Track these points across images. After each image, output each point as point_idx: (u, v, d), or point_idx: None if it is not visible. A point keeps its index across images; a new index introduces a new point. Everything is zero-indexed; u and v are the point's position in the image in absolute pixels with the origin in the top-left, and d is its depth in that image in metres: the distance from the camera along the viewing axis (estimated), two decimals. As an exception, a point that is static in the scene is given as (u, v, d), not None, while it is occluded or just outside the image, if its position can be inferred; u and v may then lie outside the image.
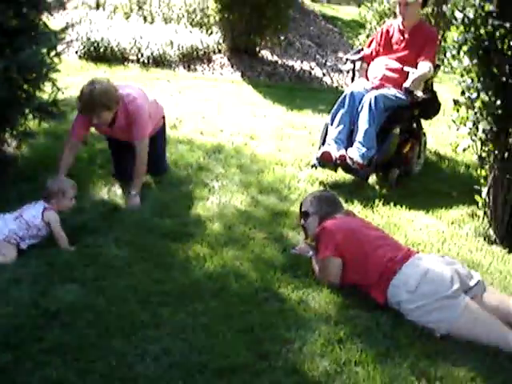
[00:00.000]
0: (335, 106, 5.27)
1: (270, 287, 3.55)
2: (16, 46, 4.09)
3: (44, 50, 4.41)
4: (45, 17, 4.61)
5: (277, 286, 3.56)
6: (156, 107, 4.92)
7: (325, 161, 5.05)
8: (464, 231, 4.47)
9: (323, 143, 5.25)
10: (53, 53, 4.56)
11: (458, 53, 4.15)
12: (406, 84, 5.11)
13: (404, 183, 5.23)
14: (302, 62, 9.00)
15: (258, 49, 8.88)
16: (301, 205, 4.01)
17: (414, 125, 5.52)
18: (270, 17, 8.37)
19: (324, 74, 8.69)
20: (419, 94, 5.19)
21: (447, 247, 4.19)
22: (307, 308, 3.38)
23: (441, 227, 4.50)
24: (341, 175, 5.25)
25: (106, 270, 3.57)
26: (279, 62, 8.93)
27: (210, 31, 9.07)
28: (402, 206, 4.76)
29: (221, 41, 8.80)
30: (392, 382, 2.85)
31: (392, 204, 4.79)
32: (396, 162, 5.28)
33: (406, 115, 5.33)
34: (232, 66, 8.52)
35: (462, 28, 4.06)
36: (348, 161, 4.95)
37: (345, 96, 5.25)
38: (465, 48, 4.05)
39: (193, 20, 9.36)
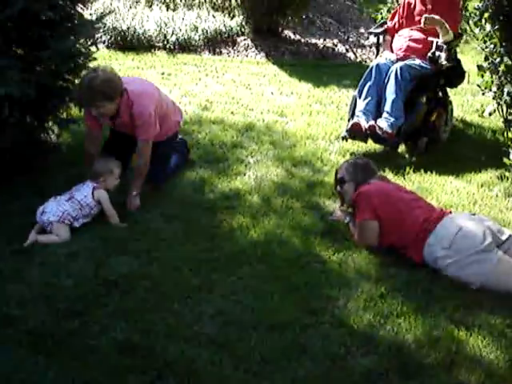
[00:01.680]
0: (362, 79, 5.41)
1: (311, 251, 3.76)
2: (57, 36, 4.30)
3: (82, 40, 4.62)
4: (80, 7, 4.83)
5: (318, 249, 3.77)
6: (172, 109, 4.73)
7: (355, 132, 5.21)
8: (494, 193, 4.61)
9: (352, 115, 5.40)
10: (89, 42, 4.79)
11: (480, 20, 4.28)
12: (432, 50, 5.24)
13: (433, 150, 5.36)
14: (324, 39, 9.11)
15: (280, 29, 9.01)
16: (336, 172, 4.19)
17: (440, 93, 5.63)
18: (291, -4, 8.51)
19: (347, 50, 8.80)
20: (444, 62, 5.31)
21: (478, 208, 4.35)
22: (348, 268, 3.59)
23: (471, 190, 4.65)
24: (371, 146, 5.40)
25: (156, 243, 3.81)
26: (302, 40, 9.05)
27: (232, 14, 9.22)
28: (432, 172, 4.91)
29: (243, 23, 8.95)
30: (432, 331, 3.06)
31: (422, 171, 4.94)
32: (424, 130, 5.41)
33: (431, 84, 5.46)
34: (256, 48, 8.66)
35: (483, -5, 4.19)
36: (377, 131, 5.10)
37: (371, 68, 5.40)
38: (486, 15, 4.19)
39: (214, 4, 9.51)
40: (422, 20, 5.26)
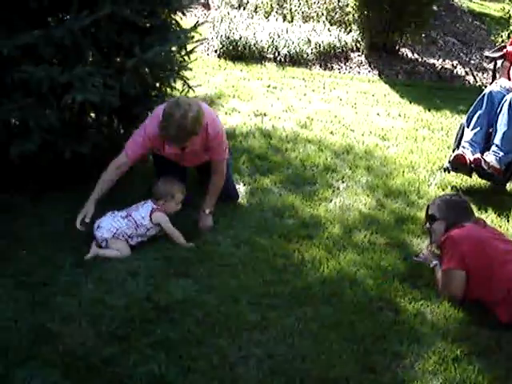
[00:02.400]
0: (472, 107, 4.95)
1: (385, 296, 3.39)
2: (146, 44, 4.18)
3: (174, 48, 4.49)
4: (179, 16, 4.68)
5: (393, 295, 3.40)
6: None
7: (458, 164, 4.76)
8: None
9: (458, 146, 4.96)
10: (183, 51, 4.65)
11: None
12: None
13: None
14: (444, 60, 8.59)
15: (397, 47, 8.59)
16: (428, 207, 3.80)
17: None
18: (411, 13, 8.06)
19: (467, 73, 8.23)
20: None
21: None
22: (424, 321, 3.20)
23: None
24: (476, 181, 4.94)
25: (220, 268, 3.58)
26: (419, 60, 8.58)
27: (348, 29, 8.90)
28: (541, 218, 4.40)
29: (359, 39, 8.60)
30: (511, 410, 2.63)
31: (530, 215, 4.44)
32: (539, 169, 4.87)
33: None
34: (369, 65, 8.29)
35: None
36: (483, 165, 4.62)
37: (483, 96, 4.92)
38: None
39: (332, 18, 9.22)
40: None
